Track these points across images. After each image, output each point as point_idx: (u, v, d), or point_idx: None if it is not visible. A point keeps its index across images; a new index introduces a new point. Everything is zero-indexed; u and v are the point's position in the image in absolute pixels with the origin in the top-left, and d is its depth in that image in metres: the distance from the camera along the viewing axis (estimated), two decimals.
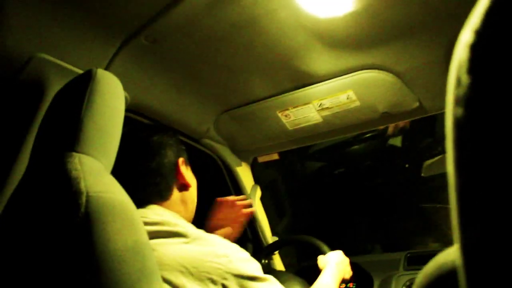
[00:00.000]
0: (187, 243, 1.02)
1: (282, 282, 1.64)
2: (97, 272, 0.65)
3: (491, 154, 0.22)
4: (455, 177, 0.25)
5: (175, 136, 1.30)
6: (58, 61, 1.20)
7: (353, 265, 2.00)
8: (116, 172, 0.83)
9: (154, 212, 1.12)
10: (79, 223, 0.66)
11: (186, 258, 0.98)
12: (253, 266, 1.06)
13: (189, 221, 1.19)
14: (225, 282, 0.98)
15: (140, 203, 1.13)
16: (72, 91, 0.86)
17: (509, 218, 0.22)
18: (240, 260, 1.03)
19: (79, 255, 0.66)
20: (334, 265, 1.49)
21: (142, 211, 1.11)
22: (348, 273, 1.57)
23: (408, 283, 1.70)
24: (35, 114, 1.16)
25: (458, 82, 0.25)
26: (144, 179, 1.17)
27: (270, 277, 1.08)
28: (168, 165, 1.21)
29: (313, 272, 1.85)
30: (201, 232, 1.08)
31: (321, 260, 1.59)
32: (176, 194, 1.21)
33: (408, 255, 1.85)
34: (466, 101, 0.24)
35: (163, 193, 1.19)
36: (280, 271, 1.87)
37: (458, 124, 0.24)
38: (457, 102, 0.25)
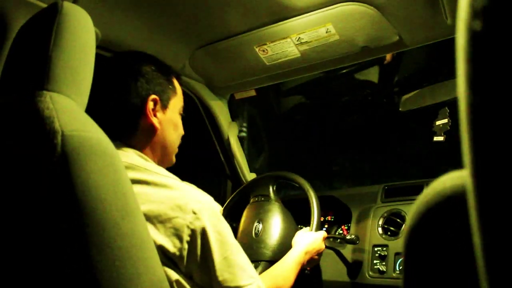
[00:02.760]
0: (153, 189, 0.99)
1: (264, 209, 1.67)
2: (79, 212, 0.64)
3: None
4: (468, 96, 0.23)
5: (157, 67, 1.18)
6: None
7: (331, 198, 2.04)
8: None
9: (123, 154, 1.06)
10: (56, 163, 0.64)
11: (152, 210, 0.96)
12: (223, 227, 1.03)
13: (163, 166, 1.15)
14: (190, 239, 0.96)
15: None
16: (37, 26, 0.81)
17: None
18: (210, 216, 1.00)
19: (58, 196, 0.64)
20: (301, 252, 1.42)
21: None
22: (314, 262, 1.52)
23: (385, 215, 1.75)
24: None
25: None
26: (109, 112, 1.11)
27: (236, 244, 1.06)
28: (134, 100, 1.11)
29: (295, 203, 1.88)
30: (169, 179, 1.04)
31: (294, 238, 1.54)
32: (140, 134, 1.13)
33: (386, 187, 1.89)
34: (486, 12, 0.22)
35: (127, 133, 1.12)
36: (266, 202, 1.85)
37: (475, 37, 0.23)
38: (475, 14, 0.23)
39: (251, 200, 1.80)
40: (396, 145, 3.42)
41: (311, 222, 1.59)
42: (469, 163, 0.24)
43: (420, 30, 1.56)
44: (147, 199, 0.97)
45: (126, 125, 1.12)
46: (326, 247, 1.66)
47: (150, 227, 0.92)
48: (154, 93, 1.14)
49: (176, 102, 1.22)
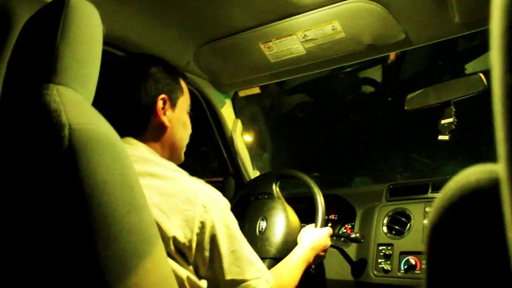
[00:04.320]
0: (163, 182, 1.01)
1: (268, 206, 1.66)
2: (85, 206, 0.63)
3: None
4: (506, 81, 0.22)
5: (165, 68, 1.22)
6: None
7: (335, 197, 2.03)
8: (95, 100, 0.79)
9: (133, 148, 1.09)
10: (63, 156, 0.63)
11: (164, 202, 0.97)
12: (231, 221, 1.05)
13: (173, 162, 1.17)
14: (199, 231, 0.97)
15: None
16: (44, 19, 0.80)
17: None
18: (219, 210, 1.02)
19: (65, 189, 0.63)
20: (308, 249, 1.43)
21: None
22: (319, 258, 1.52)
23: (390, 213, 1.74)
24: (3, 46, 1.09)
25: None
26: (119, 110, 1.13)
27: (244, 238, 1.07)
28: (144, 100, 1.14)
29: (298, 201, 1.87)
30: (179, 174, 1.06)
31: (300, 235, 1.55)
32: (151, 131, 1.16)
33: (390, 186, 1.88)
34: None
35: (137, 128, 1.15)
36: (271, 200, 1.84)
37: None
38: None
39: (254, 198, 1.79)
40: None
41: (316, 219, 1.58)
42: (505, 154, 0.23)
43: (427, 28, 1.55)
44: (159, 192, 0.98)
45: (137, 123, 1.15)
46: (330, 245, 1.66)
47: (163, 218, 0.94)
48: (163, 93, 1.17)
49: (184, 101, 1.26)
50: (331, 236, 1.61)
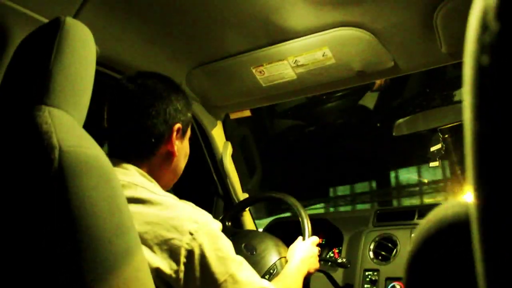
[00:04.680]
0: (149, 208, 0.98)
1: (253, 240, 1.65)
2: (73, 228, 0.63)
3: None
4: (474, 126, 0.24)
5: (183, 96, 1.20)
6: (21, 8, 1.13)
7: (323, 221, 2.04)
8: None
9: (124, 172, 1.06)
10: (52, 178, 0.63)
11: (147, 232, 0.94)
12: (224, 244, 1.01)
13: (164, 189, 1.13)
14: (186, 260, 0.94)
15: (120, 154, 1.09)
16: (38, 40, 0.81)
17: None
18: (208, 236, 0.98)
19: (54, 211, 0.63)
20: (298, 261, 1.40)
21: (119, 170, 1.06)
22: (314, 266, 1.47)
23: (377, 239, 1.75)
24: None
25: (484, 28, 0.23)
26: (129, 134, 1.11)
27: (239, 259, 1.04)
28: (161, 127, 1.12)
29: (284, 227, 1.88)
30: (166, 198, 1.03)
31: (288, 253, 1.52)
32: (157, 159, 1.14)
33: (378, 211, 1.90)
34: (494, 48, 0.23)
35: (144, 154, 1.12)
36: (251, 230, 1.88)
37: (482, 71, 0.23)
38: (483, 49, 0.23)
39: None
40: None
41: (302, 231, 1.57)
42: (474, 191, 0.24)
43: (415, 56, 1.59)
44: (143, 220, 0.95)
45: (146, 147, 1.12)
46: (318, 270, 1.65)
47: (145, 250, 0.91)
48: (179, 122, 1.16)
49: (189, 131, 1.25)
50: (319, 261, 1.60)
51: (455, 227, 0.33)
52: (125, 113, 1.12)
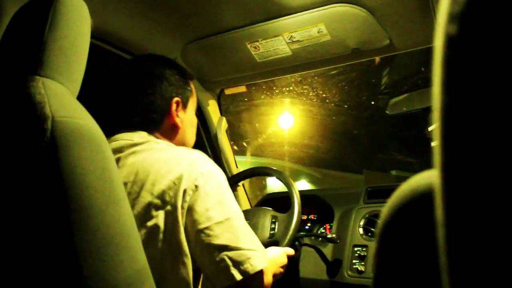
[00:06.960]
0: (161, 153, 1.08)
1: (247, 214, 1.67)
2: (65, 198, 0.65)
3: (485, 72, 0.22)
4: (442, 96, 0.25)
5: (178, 71, 1.28)
6: None
7: (315, 197, 2.07)
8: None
9: (140, 135, 1.15)
10: (45, 148, 0.64)
11: (160, 168, 1.02)
12: (227, 192, 1.06)
13: None
14: (192, 193, 1.00)
15: (130, 126, 1.17)
16: (33, 12, 0.81)
17: (493, 135, 0.22)
18: (214, 181, 1.04)
19: (45, 180, 0.65)
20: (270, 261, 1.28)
21: (129, 134, 1.14)
22: (276, 271, 1.33)
23: (367, 216, 1.77)
24: None
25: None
26: (134, 110, 1.19)
27: (240, 212, 1.06)
28: (160, 102, 1.20)
29: (276, 202, 1.90)
30: (179, 147, 1.14)
31: None
32: (164, 130, 1.22)
33: (369, 189, 1.92)
34: (461, 17, 0.23)
35: (151, 128, 1.20)
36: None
37: (451, 41, 0.24)
38: (451, 19, 0.24)
39: None
40: None
41: (292, 206, 1.58)
42: (439, 162, 0.25)
43: (410, 34, 1.58)
44: (157, 159, 1.05)
45: (151, 122, 1.20)
46: (307, 245, 1.68)
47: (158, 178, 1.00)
48: (176, 95, 1.24)
49: (193, 102, 1.32)
50: (308, 236, 1.62)
51: (427, 197, 0.34)
52: (126, 94, 1.22)
